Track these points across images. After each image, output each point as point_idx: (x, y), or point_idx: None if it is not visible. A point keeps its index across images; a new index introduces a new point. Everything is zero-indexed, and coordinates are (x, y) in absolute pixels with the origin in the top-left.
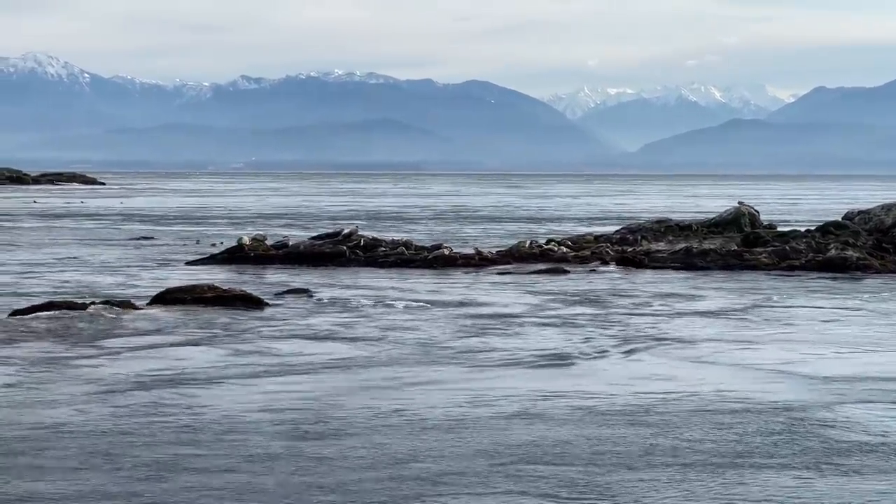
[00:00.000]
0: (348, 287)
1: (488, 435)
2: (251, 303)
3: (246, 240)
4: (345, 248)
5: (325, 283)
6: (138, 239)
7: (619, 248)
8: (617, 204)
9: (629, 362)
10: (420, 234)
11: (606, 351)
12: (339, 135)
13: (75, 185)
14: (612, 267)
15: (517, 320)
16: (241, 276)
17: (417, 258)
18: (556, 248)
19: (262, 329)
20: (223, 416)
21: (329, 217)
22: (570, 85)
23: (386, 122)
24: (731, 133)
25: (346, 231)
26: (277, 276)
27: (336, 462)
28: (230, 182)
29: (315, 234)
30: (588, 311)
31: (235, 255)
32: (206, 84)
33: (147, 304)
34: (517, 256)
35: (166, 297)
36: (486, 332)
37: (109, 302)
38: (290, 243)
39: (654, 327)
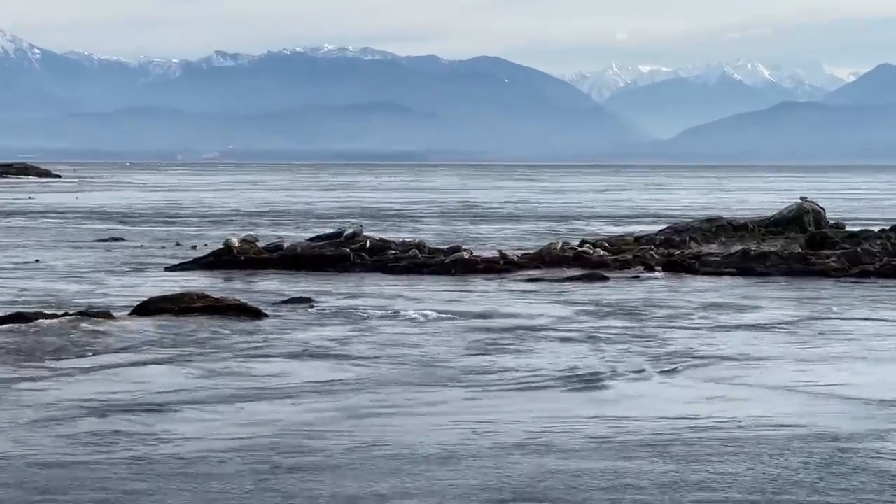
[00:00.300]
0: (354, 296)
1: (489, 469)
2: (247, 313)
3: (234, 241)
4: (348, 250)
5: (327, 291)
6: (107, 240)
7: (665, 252)
8: (651, 199)
9: (658, 384)
10: (425, 235)
11: (634, 371)
12: (330, 120)
13: (31, 178)
14: (657, 273)
15: (538, 334)
16: (230, 283)
17: (432, 262)
18: (591, 251)
19: (254, 344)
20: (185, 447)
21: (319, 216)
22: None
23: (383, 105)
24: (782, 117)
25: (349, 231)
26: (272, 283)
27: (311, 502)
28: (204, 174)
29: (311, 234)
30: (620, 324)
31: (222, 259)
32: (176, 61)
33: (128, 315)
34: (548, 260)
35: (149, 308)
36: (501, 348)
37: (86, 313)
38: (286, 245)
39: (693, 343)
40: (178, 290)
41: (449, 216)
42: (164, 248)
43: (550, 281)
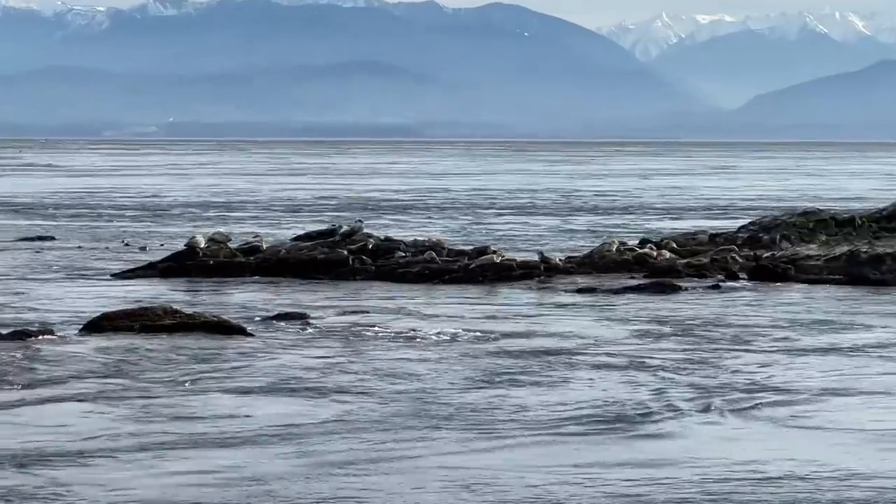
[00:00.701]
0: (356, 311)
1: None
2: (227, 332)
3: (200, 241)
4: (346, 252)
5: (322, 304)
6: (34, 240)
7: (751, 254)
8: (716, 186)
9: (704, 427)
10: (432, 233)
11: (677, 409)
12: (301, 84)
13: None
14: (743, 281)
15: (574, 360)
16: (196, 294)
17: (454, 268)
18: (655, 253)
19: (229, 371)
20: None
21: (291, 208)
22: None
23: (367, 66)
24: (882, 80)
25: (344, 228)
26: (251, 295)
27: None
28: (140, 154)
29: (292, 232)
30: (683, 347)
31: (185, 264)
32: (101, 9)
33: (77, 334)
34: (601, 265)
35: (103, 325)
36: (521, 378)
37: (23, 332)
38: (264, 246)
39: (761, 373)
40: (132, 303)
41: (460, 209)
42: (107, 249)
43: (605, 292)
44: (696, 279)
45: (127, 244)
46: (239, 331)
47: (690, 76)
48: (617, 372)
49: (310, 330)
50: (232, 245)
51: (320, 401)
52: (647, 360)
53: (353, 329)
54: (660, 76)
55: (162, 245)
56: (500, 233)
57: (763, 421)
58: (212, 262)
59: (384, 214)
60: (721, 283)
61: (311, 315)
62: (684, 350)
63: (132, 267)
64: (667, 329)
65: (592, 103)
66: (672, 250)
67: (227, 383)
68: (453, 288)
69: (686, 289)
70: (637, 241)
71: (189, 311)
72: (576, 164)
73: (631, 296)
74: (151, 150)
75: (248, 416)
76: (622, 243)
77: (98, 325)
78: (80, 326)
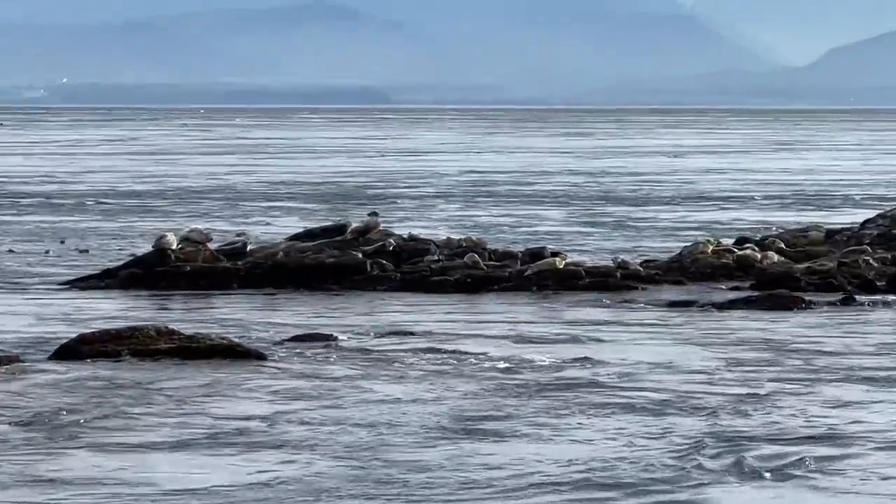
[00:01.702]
0: (395, 332)
1: None
2: (239, 356)
3: (172, 241)
4: (361, 255)
5: (339, 322)
6: None
7: (887, 256)
8: (783, 168)
9: (731, 493)
10: (435, 230)
11: (699, 466)
12: (232, 35)
13: None
14: (883, 294)
15: (589, 395)
16: (172, 310)
17: (503, 275)
18: (759, 256)
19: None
20: None
21: (228, 198)
22: None
23: (319, 12)
24: None
25: (355, 225)
26: (242, 310)
27: None
28: (29, 127)
29: (271, 229)
30: (739, 376)
31: (154, 272)
32: None
33: (48, 359)
34: (693, 270)
35: (81, 350)
36: (507, 419)
37: None
38: (251, 246)
39: (829, 418)
40: (90, 322)
41: (463, 197)
42: (48, 252)
43: (704, 306)
44: (819, 291)
45: (63, 241)
46: (257, 356)
47: (748, 26)
48: (642, 414)
49: (336, 354)
50: (212, 245)
51: (255, 454)
52: (687, 398)
53: (393, 354)
54: (708, 24)
55: (120, 247)
56: (505, 228)
57: (812, 485)
58: (189, 267)
59: (360, 204)
60: (854, 296)
61: (337, 336)
62: (740, 380)
63: (84, 275)
64: (788, 361)
65: (618, 60)
66: (780, 251)
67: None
68: (503, 300)
69: (811, 304)
70: (734, 240)
71: (188, 331)
72: (597, 137)
73: (739, 312)
74: (45, 121)
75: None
76: (718, 242)
77: (73, 351)
78: (49, 353)
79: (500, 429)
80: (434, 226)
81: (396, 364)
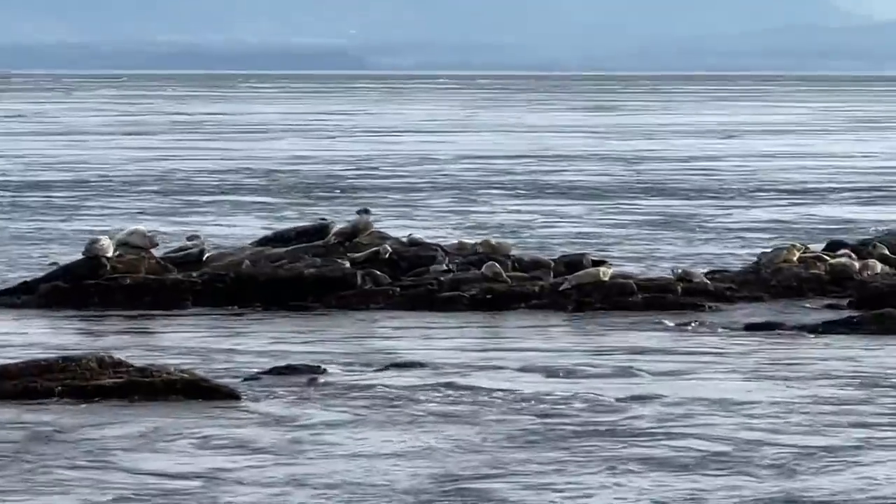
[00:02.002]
0: (396, 363)
1: None
2: (204, 395)
3: (108, 246)
4: (348, 265)
5: (327, 350)
6: None
7: None
8: (871, 152)
9: None
10: (434, 230)
11: None
12: None
13: None
14: None
15: (624, 444)
16: (108, 335)
17: (533, 290)
18: (857, 265)
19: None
20: None
21: (165, 191)
22: None
23: None
24: None
25: (340, 227)
26: (198, 335)
27: None
28: None
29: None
30: (821, 419)
31: (84, 285)
32: None
33: None
34: (775, 285)
35: (2, 387)
36: (505, 478)
37: None
38: (209, 254)
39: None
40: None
41: (458, 189)
42: None
43: (793, 330)
44: None
45: None
46: (227, 395)
47: None
48: (674, 471)
49: (314, 393)
50: (157, 252)
51: None
52: (820, 459)
53: (392, 390)
54: None
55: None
56: (517, 229)
57: None
58: (128, 280)
59: (332, 196)
60: None
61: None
62: (803, 428)
63: None
64: (887, 401)
65: (654, 13)
66: (884, 259)
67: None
68: (531, 321)
69: None
70: (824, 245)
71: (137, 362)
72: (625, 112)
73: (838, 338)
74: None
75: None
76: (805, 248)
77: None
78: None
79: (492, 491)
80: (424, 227)
81: (396, 405)
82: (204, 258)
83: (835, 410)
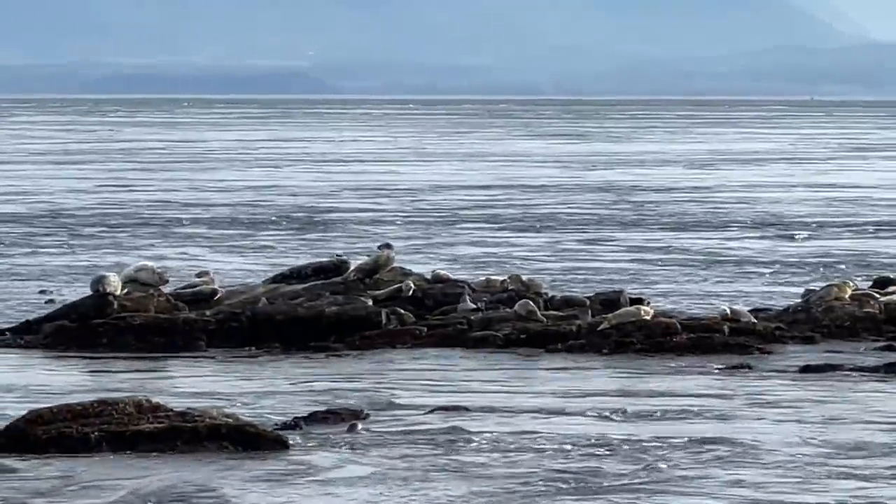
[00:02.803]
0: (445, 407)
1: None
2: (249, 442)
3: (115, 283)
4: (371, 304)
5: (360, 393)
6: None
7: None
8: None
9: None
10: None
11: None
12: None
13: None
14: None
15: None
16: (122, 378)
17: (570, 330)
18: None
19: None
20: None
21: (115, 224)
22: None
23: None
24: None
25: (360, 263)
26: (218, 378)
27: None
28: None
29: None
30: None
31: (91, 325)
32: None
33: None
34: (828, 324)
35: (35, 434)
36: None
37: None
38: (221, 291)
39: None
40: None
41: (418, 223)
42: None
43: (853, 372)
44: None
45: None
46: (274, 441)
47: None
48: None
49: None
50: (166, 289)
51: None
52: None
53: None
54: None
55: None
56: (504, 259)
57: None
58: (138, 321)
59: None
60: None
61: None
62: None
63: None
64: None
65: (635, 36)
66: None
67: None
68: (568, 363)
69: None
70: (873, 281)
71: (177, 406)
72: (611, 138)
73: None
74: None
75: None
76: (854, 286)
77: (23, 435)
78: None
79: None
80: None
81: (452, 451)
82: (216, 297)
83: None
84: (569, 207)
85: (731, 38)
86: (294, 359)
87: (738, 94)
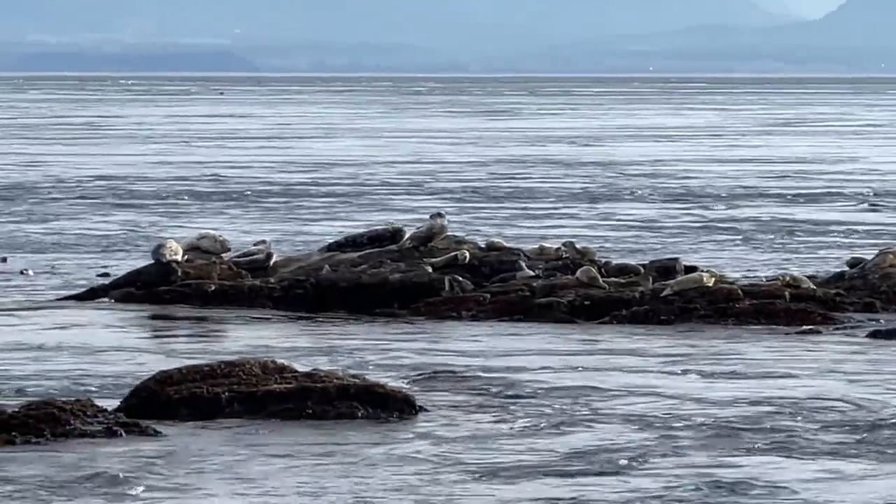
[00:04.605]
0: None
1: None
2: (379, 403)
3: (177, 250)
4: (431, 270)
5: (440, 357)
6: None
7: None
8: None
9: None
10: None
11: None
12: None
13: None
14: None
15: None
16: (179, 338)
17: (633, 297)
18: None
19: None
20: None
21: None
22: None
23: None
24: None
25: (415, 231)
26: (286, 340)
27: None
28: None
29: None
30: None
31: (157, 292)
32: None
33: (125, 409)
34: (885, 290)
35: (168, 396)
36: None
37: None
38: (274, 258)
39: None
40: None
41: (364, 198)
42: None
43: None
44: None
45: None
46: (403, 402)
47: None
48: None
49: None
50: (227, 256)
51: None
52: None
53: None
54: None
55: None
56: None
57: None
58: (213, 287)
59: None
60: None
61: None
62: None
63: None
64: None
65: (562, 14)
66: None
67: None
68: (633, 331)
69: None
70: None
71: (303, 367)
72: (545, 115)
73: None
74: None
75: None
76: None
77: (154, 397)
78: (119, 400)
79: None
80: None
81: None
82: (271, 263)
83: None
84: (465, 182)
85: (654, 18)
86: (356, 323)
87: (665, 73)
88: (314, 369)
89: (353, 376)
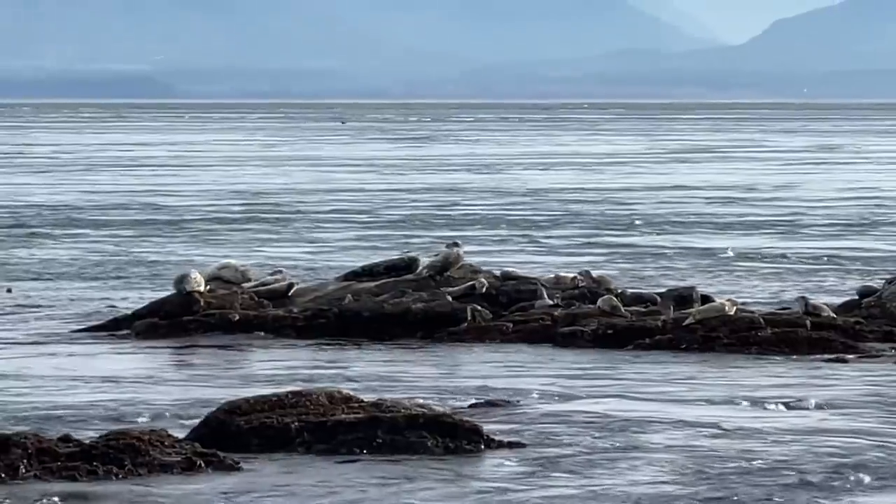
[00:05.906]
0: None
1: None
2: (447, 433)
3: (199, 281)
4: (450, 300)
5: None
6: None
7: None
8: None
9: None
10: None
11: None
12: None
13: None
14: None
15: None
16: (211, 366)
17: (656, 326)
18: None
19: None
20: None
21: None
22: None
23: None
24: None
25: (431, 260)
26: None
27: None
28: None
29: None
30: None
31: (181, 322)
32: None
33: (198, 438)
34: None
35: (238, 427)
36: None
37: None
38: (297, 286)
39: None
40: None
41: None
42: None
43: None
44: None
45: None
46: (472, 432)
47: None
48: None
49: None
50: (248, 285)
51: None
52: None
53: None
54: (630, 3)
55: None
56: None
57: None
58: (236, 317)
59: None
60: None
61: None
62: None
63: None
64: None
65: (485, 40)
66: None
67: None
68: (655, 359)
69: None
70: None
71: (367, 397)
72: (468, 142)
73: None
74: None
75: None
76: None
77: (223, 427)
78: (189, 429)
79: None
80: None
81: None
82: (291, 292)
83: None
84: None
85: (577, 43)
86: (376, 351)
87: (587, 98)
88: (379, 399)
89: (419, 405)
